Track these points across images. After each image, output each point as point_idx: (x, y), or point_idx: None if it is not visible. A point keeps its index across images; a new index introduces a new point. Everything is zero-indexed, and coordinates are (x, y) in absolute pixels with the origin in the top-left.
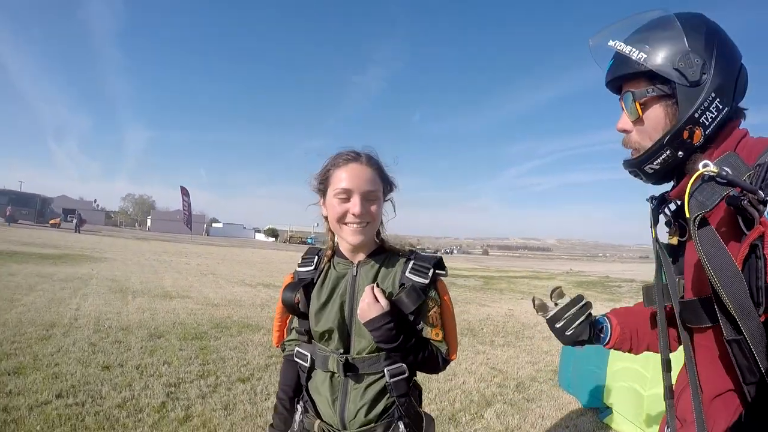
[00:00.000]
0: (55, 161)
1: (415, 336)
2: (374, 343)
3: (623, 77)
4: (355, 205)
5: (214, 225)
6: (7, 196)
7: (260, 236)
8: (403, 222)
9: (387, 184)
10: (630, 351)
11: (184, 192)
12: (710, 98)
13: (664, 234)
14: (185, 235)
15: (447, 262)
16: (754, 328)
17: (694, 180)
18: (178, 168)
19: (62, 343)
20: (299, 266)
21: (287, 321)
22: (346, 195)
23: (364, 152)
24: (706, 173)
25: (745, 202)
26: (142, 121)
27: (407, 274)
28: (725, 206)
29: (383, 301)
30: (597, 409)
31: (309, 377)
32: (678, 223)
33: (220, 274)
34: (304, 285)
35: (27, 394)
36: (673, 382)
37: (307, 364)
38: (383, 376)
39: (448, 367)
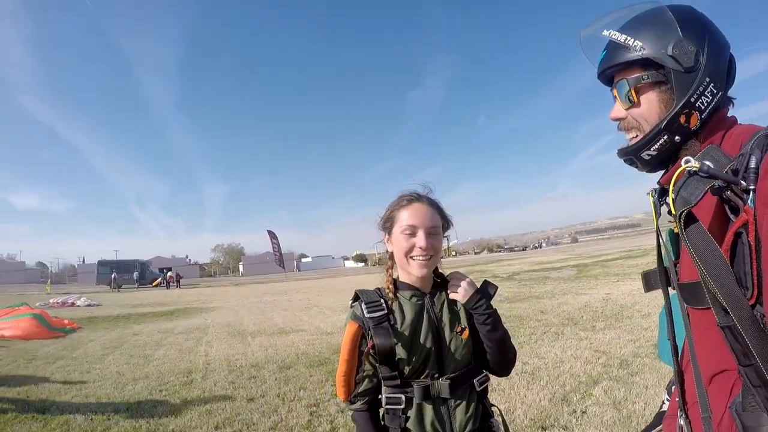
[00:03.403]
0: (143, 227)
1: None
2: (464, 358)
3: (617, 65)
4: (420, 239)
5: (303, 260)
6: (109, 266)
7: (349, 263)
8: (488, 224)
9: (445, 222)
10: None
11: (272, 235)
12: (705, 83)
13: (669, 224)
14: (278, 274)
15: (538, 257)
16: (744, 316)
17: (677, 177)
18: (260, 212)
19: (204, 385)
20: (368, 312)
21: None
22: (412, 231)
23: (425, 194)
24: (688, 169)
25: (729, 192)
26: (218, 176)
27: None
28: (712, 196)
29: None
30: None
31: (407, 418)
32: None
33: (323, 305)
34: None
35: (189, 430)
36: None
37: (402, 405)
38: (473, 387)
39: (554, 356)
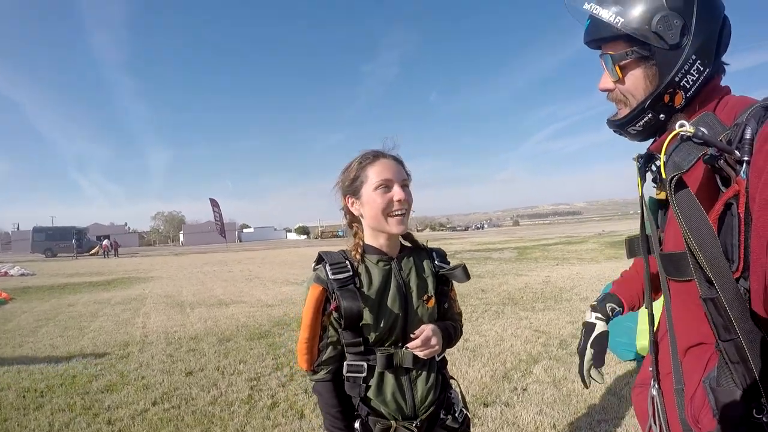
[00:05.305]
0: (83, 192)
1: (452, 326)
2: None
3: (600, 40)
4: (398, 192)
5: (245, 231)
6: (44, 233)
7: (292, 235)
8: (432, 202)
9: (408, 176)
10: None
11: (214, 203)
12: (690, 60)
13: (652, 190)
14: (219, 244)
15: (480, 237)
16: (728, 288)
17: (670, 140)
18: (203, 181)
19: (141, 359)
20: (333, 274)
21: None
22: (387, 185)
23: (386, 150)
24: (682, 133)
25: (722, 161)
26: (163, 141)
27: (438, 262)
28: (703, 164)
29: (428, 326)
30: (635, 360)
31: (367, 387)
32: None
33: (264, 277)
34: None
35: (125, 406)
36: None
37: (364, 374)
38: (434, 356)
39: (495, 334)
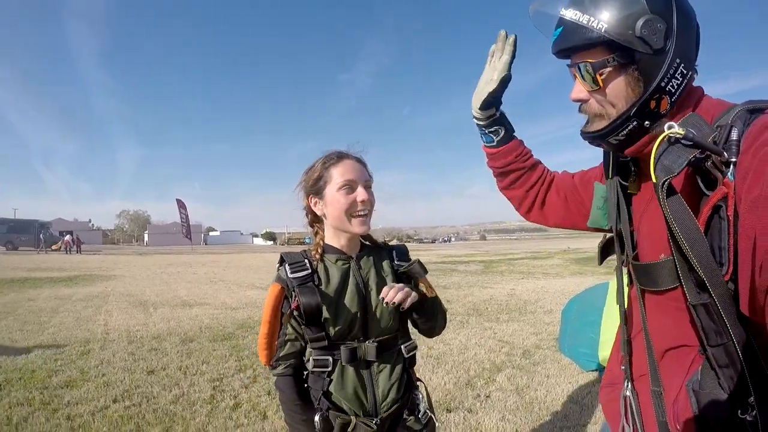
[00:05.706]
0: (47, 186)
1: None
2: (390, 324)
3: (576, 47)
4: (361, 193)
5: (211, 234)
6: (6, 225)
7: (258, 240)
8: (400, 214)
9: (371, 178)
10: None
11: (181, 205)
12: (675, 64)
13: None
14: (185, 246)
15: (446, 250)
16: (723, 293)
17: (660, 143)
18: (171, 182)
19: (102, 356)
20: (292, 272)
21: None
22: (351, 186)
23: (350, 151)
24: (671, 135)
25: (709, 163)
26: (132, 139)
27: (397, 261)
28: (686, 167)
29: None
30: (597, 370)
31: (330, 381)
32: (638, 172)
33: (229, 280)
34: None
35: (85, 402)
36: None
37: (329, 368)
38: (400, 353)
39: (459, 343)
